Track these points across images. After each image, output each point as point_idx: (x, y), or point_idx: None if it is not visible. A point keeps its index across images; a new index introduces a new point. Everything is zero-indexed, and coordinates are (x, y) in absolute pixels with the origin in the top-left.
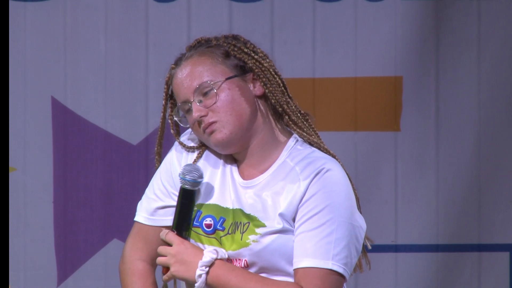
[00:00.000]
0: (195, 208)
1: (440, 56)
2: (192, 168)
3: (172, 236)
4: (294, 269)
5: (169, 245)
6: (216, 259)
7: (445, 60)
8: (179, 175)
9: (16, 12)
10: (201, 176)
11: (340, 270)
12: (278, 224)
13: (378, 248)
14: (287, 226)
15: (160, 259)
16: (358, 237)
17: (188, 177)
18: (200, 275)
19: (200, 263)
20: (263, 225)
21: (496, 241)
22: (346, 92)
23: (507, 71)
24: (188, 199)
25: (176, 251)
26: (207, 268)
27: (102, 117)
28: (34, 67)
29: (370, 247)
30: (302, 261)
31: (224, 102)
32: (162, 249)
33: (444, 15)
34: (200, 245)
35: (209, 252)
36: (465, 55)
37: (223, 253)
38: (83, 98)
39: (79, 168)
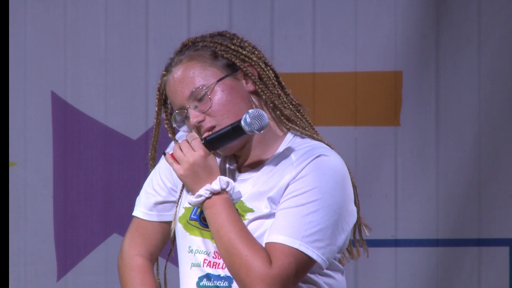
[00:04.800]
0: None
1: (440, 51)
2: (258, 116)
3: (198, 144)
4: (266, 243)
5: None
6: (224, 190)
7: (445, 55)
8: (247, 113)
9: (16, 7)
10: (259, 129)
11: (309, 253)
12: (266, 208)
13: (378, 243)
14: (275, 210)
15: (176, 153)
16: (343, 227)
17: (248, 120)
18: (200, 195)
19: (207, 186)
20: (251, 210)
21: (496, 236)
22: (346, 87)
23: (507, 66)
24: (236, 133)
25: (194, 161)
26: (211, 194)
27: (102, 112)
28: (34, 62)
29: (368, 234)
30: (272, 236)
31: (219, 105)
32: (184, 147)
33: (444, 10)
34: (199, 238)
35: (221, 181)
36: (465, 50)
37: (232, 186)
38: (83, 93)
39: (79, 163)
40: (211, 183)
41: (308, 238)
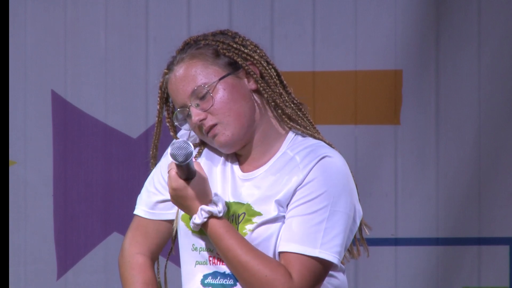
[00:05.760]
0: None
1: (440, 50)
2: (179, 147)
3: (172, 176)
4: (280, 252)
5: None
6: (212, 216)
7: (445, 54)
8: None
9: (16, 7)
10: (185, 159)
11: (330, 258)
12: (274, 211)
13: (378, 242)
14: (282, 213)
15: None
16: (352, 227)
17: (178, 157)
18: (192, 226)
19: (193, 218)
20: (259, 214)
21: (496, 235)
22: (346, 86)
23: (507, 66)
24: (180, 168)
25: (171, 194)
26: (199, 226)
27: (102, 111)
28: (34, 61)
29: (368, 233)
30: (288, 245)
31: (221, 104)
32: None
33: (444, 9)
34: (202, 236)
35: (203, 212)
36: (465, 50)
37: (218, 211)
38: (83, 92)
39: (79, 162)
40: (193, 218)
41: (327, 245)
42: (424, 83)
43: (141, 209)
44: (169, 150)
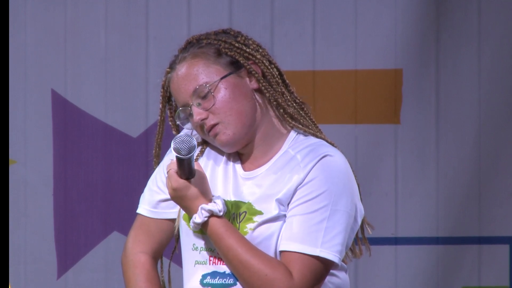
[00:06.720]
0: None
1: (440, 49)
2: (183, 141)
3: (171, 175)
4: (280, 251)
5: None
6: (212, 215)
7: (445, 53)
8: (172, 141)
9: (16, 6)
10: (188, 153)
11: (330, 257)
12: (275, 210)
13: (378, 241)
14: (283, 212)
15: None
16: (353, 226)
17: (182, 151)
18: (192, 225)
19: (193, 217)
20: (260, 213)
21: (496, 234)
22: (346, 85)
23: (507, 65)
24: (181, 162)
25: (171, 194)
26: (199, 226)
27: (102, 110)
28: (34, 60)
29: (370, 233)
30: (289, 244)
31: (222, 103)
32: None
33: (444, 9)
34: (203, 236)
35: (204, 211)
36: (465, 49)
37: (218, 210)
38: (83, 91)
39: (79, 161)
40: (193, 217)
41: (328, 244)
42: (424, 83)
43: (143, 208)
44: (172, 145)
